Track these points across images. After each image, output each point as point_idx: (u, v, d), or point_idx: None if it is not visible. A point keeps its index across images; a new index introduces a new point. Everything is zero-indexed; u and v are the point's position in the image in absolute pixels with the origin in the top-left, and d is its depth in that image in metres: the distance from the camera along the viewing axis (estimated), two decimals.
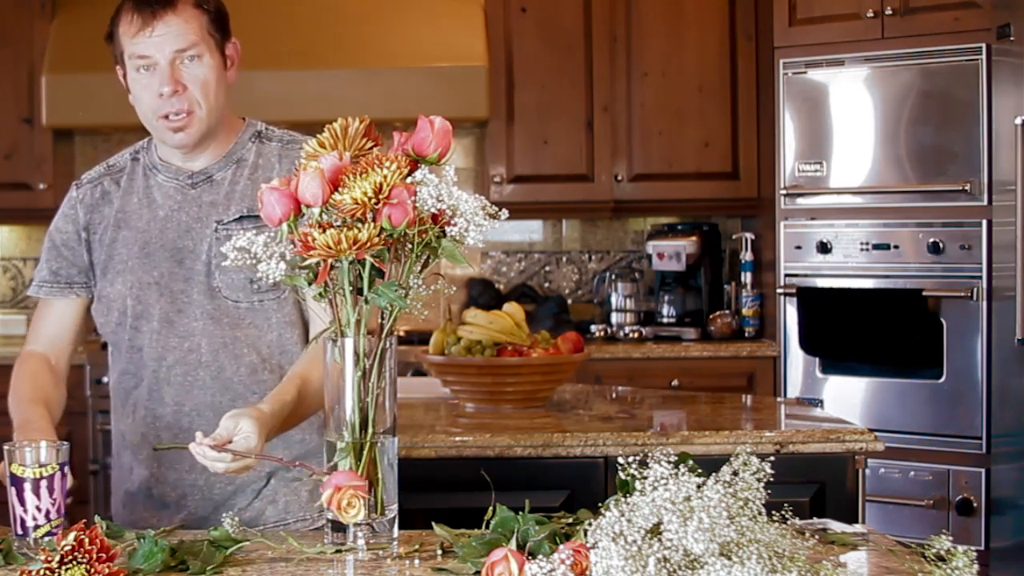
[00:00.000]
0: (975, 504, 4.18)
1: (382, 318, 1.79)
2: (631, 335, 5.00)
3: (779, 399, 4.39)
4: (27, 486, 1.79)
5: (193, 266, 2.21)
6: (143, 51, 2.14)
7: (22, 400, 2.20)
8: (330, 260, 1.72)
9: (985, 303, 4.20)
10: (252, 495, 2.23)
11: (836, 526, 1.95)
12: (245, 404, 2.15)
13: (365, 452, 1.78)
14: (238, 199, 2.22)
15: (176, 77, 2.14)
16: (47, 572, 1.54)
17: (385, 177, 1.72)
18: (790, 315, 4.62)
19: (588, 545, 1.46)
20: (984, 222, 4.21)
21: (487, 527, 1.76)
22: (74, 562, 1.55)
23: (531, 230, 5.43)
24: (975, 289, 4.22)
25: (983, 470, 4.19)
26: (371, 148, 1.83)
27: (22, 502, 1.80)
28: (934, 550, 1.56)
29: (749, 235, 5.06)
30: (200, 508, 2.20)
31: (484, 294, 5.16)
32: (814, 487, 2.78)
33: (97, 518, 1.77)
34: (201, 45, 2.16)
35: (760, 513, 1.48)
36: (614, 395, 3.55)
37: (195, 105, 2.17)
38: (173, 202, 2.24)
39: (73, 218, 2.31)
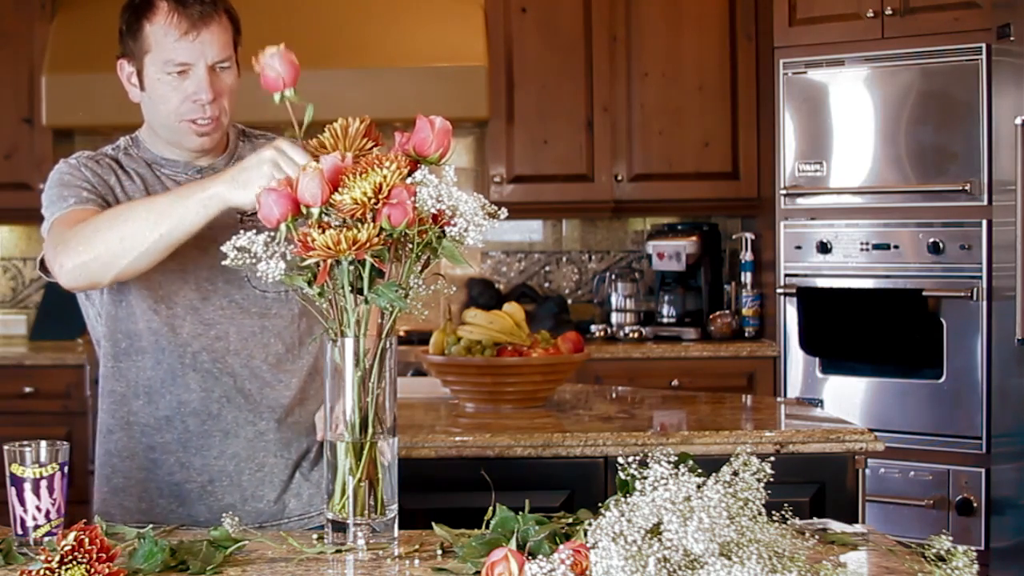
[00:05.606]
0: (975, 504, 4.18)
1: (382, 318, 1.79)
2: (631, 335, 5.00)
3: (779, 399, 4.39)
4: (27, 486, 1.79)
5: (217, 254, 2.18)
6: (183, 57, 2.12)
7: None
8: (330, 260, 1.72)
9: (985, 303, 4.20)
10: (279, 487, 2.23)
11: (836, 526, 1.95)
12: (272, 392, 2.21)
13: (365, 452, 1.78)
14: None
15: (213, 85, 2.14)
16: (47, 572, 1.54)
17: (385, 177, 1.72)
18: (790, 315, 4.62)
19: (588, 545, 1.45)
20: (984, 222, 4.21)
21: (487, 527, 1.76)
22: (74, 562, 1.54)
23: (531, 230, 5.43)
24: (975, 289, 4.22)
25: (983, 470, 4.19)
26: (371, 148, 1.83)
27: (22, 502, 1.80)
28: (934, 550, 1.56)
29: (749, 235, 5.05)
30: (227, 495, 2.19)
31: (484, 294, 5.16)
32: (814, 487, 2.77)
33: (97, 518, 1.77)
34: (232, 56, 2.17)
35: (760, 513, 1.48)
36: (614, 395, 3.55)
37: (223, 113, 2.18)
38: None
39: (84, 169, 2.18)
